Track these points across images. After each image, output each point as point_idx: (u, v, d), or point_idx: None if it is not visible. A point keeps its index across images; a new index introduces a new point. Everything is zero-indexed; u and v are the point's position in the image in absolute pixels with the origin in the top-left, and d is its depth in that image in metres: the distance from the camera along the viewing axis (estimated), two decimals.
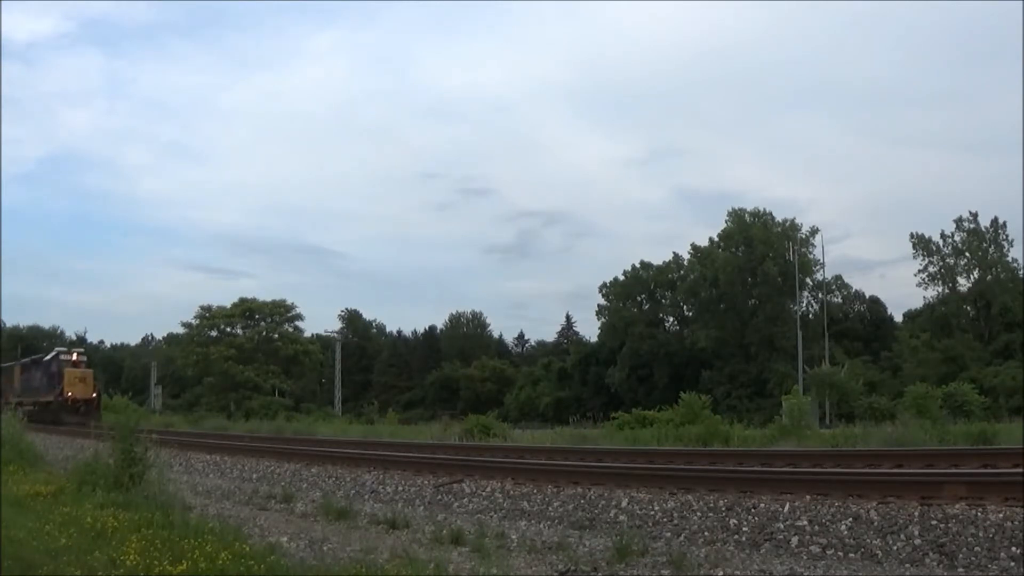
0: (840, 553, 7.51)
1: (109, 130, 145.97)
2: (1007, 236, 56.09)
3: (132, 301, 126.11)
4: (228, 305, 70.12)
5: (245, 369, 65.34)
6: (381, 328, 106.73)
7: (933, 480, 8.97)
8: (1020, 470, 8.60)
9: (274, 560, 6.62)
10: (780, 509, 8.73)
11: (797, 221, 63.07)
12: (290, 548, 7.93)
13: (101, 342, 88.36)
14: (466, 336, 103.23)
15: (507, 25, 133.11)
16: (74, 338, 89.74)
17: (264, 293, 76.93)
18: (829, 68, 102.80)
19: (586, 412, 38.53)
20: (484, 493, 11.78)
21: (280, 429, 33.88)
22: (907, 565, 7.03)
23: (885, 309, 76.99)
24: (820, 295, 66.08)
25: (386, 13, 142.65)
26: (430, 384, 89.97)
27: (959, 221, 53.27)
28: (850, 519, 8.08)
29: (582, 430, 28.44)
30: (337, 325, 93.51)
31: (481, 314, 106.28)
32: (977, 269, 59.40)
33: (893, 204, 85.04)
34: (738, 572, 6.89)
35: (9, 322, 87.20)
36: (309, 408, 66.61)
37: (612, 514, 9.76)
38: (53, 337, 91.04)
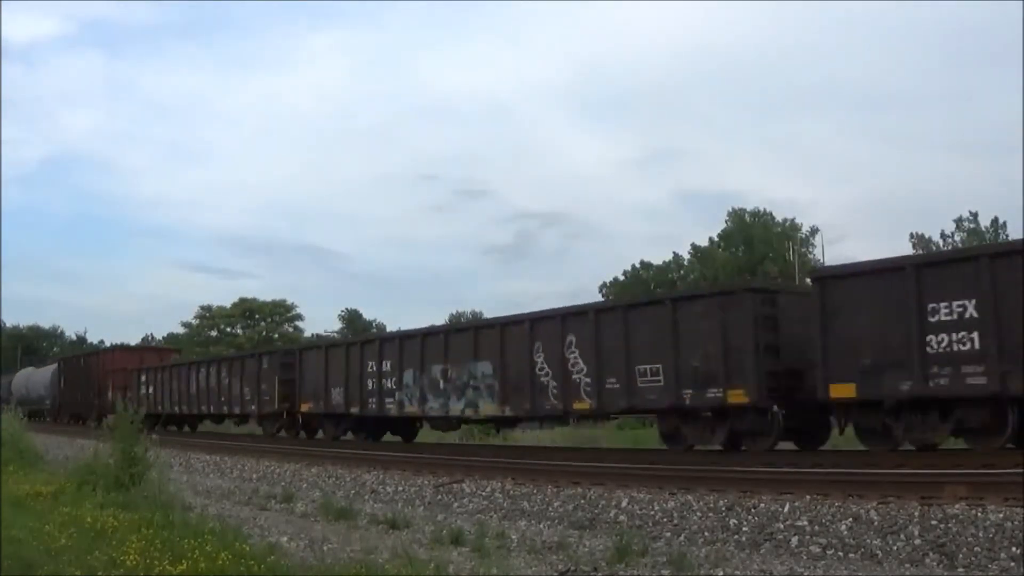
0: (840, 553, 7.51)
1: (109, 131, 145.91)
2: (1007, 236, 56.12)
3: (132, 301, 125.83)
4: (228, 305, 70.15)
5: None
6: (381, 328, 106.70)
7: (933, 480, 8.97)
8: (1020, 470, 8.59)
9: (274, 560, 6.62)
10: (780, 509, 8.74)
11: (797, 221, 63.05)
12: (290, 548, 7.93)
13: (101, 342, 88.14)
14: None
15: (506, 26, 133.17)
16: (74, 338, 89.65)
17: (264, 293, 76.88)
18: (829, 68, 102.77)
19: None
20: (484, 493, 11.78)
21: None
22: (907, 565, 7.03)
23: None
24: None
25: (386, 14, 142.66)
26: None
27: (959, 221, 53.28)
28: (850, 519, 8.08)
29: (583, 430, 28.44)
30: (337, 325, 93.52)
31: (481, 314, 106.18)
32: None
33: (893, 204, 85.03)
34: (738, 572, 6.88)
35: (9, 322, 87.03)
36: None
37: (612, 514, 9.76)
38: (53, 337, 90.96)
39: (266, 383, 24.23)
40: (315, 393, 22.21)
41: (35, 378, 48.73)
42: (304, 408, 22.87)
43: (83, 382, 39.16)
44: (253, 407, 25.24)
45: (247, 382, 25.40)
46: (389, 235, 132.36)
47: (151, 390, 32.20)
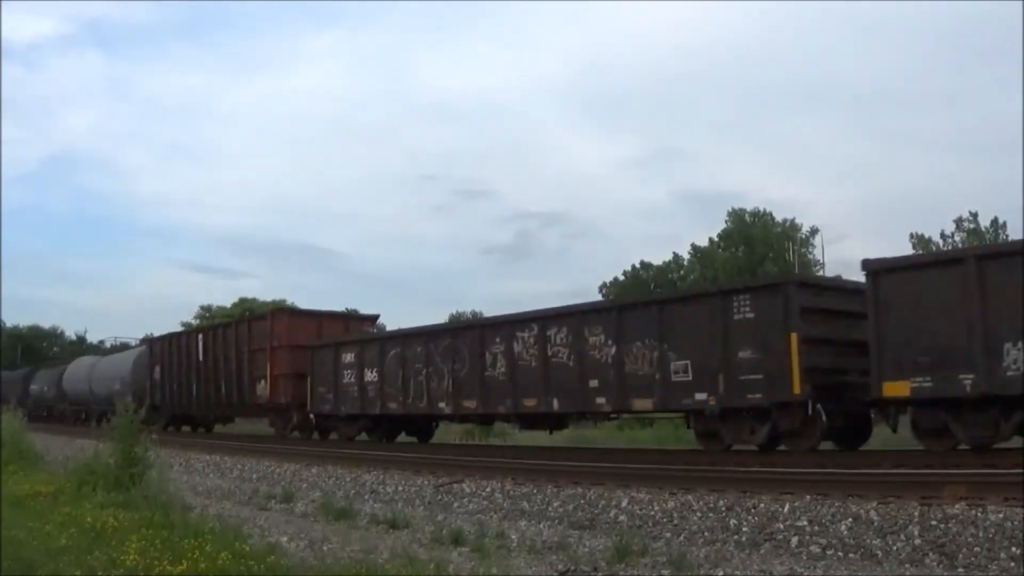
0: (840, 553, 7.52)
1: (109, 131, 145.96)
2: (1007, 236, 56.10)
3: (132, 301, 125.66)
4: (228, 305, 70.10)
5: None
6: (381, 328, 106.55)
7: (933, 480, 8.97)
8: (1020, 470, 8.59)
9: (274, 560, 6.62)
10: (780, 509, 8.74)
11: (797, 221, 63.06)
12: (290, 548, 7.93)
13: (101, 342, 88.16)
14: None
15: (507, 26, 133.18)
16: (74, 338, 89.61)
17: (264, 293, 76.79)
18: (829, 68, 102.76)
19: (586, 413, 38.05)
20: (484, 493, 11.78)
21: None
22: (907, 565, 7.03)
23: None
24: None
25: (386, 14, 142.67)
26: None
27: (959, 221, 53.17)
28: (850, 519, 8.08)
29: (582, 430, 28.45)
30: None
31: (481, 314, 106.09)
32: None
33: (893, 204, 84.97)
34: (738, 572, 6.88)
35: (9, 322, 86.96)
36: None
37: (612, 514, 9.77)
38: (53, 337, 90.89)
39: (754, 347, 12.55)
40: (949, 355, 10.86)
41: (103, 369, 36.33)
42: (901, 391, 11.30)
43: (206, 369, 26.24)
44: (704, 396, 13.16)
45: (680, 349, 13.49)
46: (389, 235, 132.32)
47: (373, 377, 19.64)
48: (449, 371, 17.57)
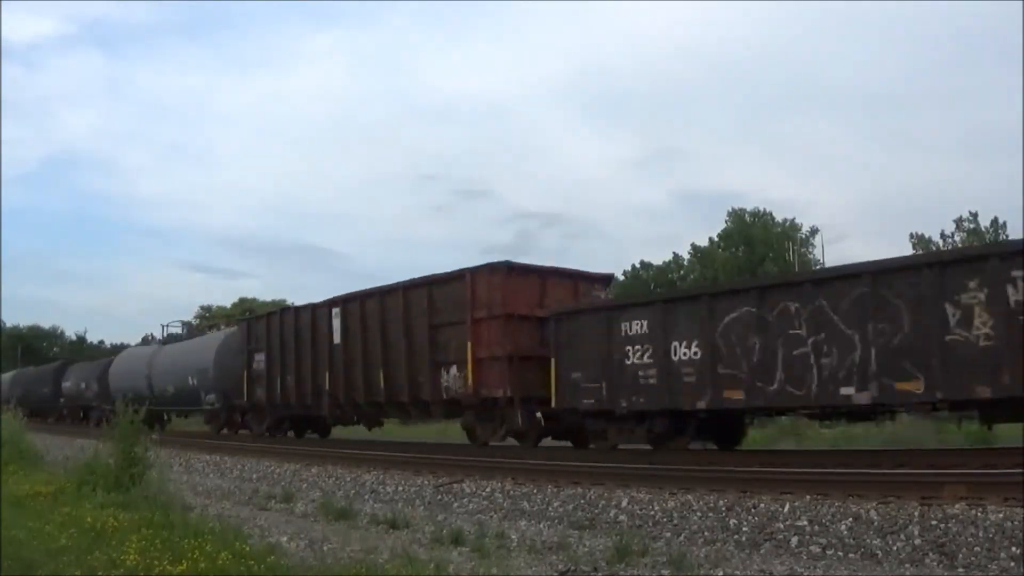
0: (840, 553, 7.52)
1: (109, 131, 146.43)
2: (1007, 236, 56.11)
3: (132, 301, 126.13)
4: (228, 305, 70.10)
5: None
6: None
7: (933, 480, 8.97)
8: (1020, 470, 8.59)
9: (274, 560, 6.62)
10: (780, 509, 8.74)
11: (797, 221, 63.09)
12: (290, 548, 7.93)
13: (101, 342, 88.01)
14: None
15: (507, 27, 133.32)
16: (74, 338, 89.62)
17: (264, 293, 76.85)
18: (829, 68, 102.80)
19: None
20: (484, 493, 11.78)
21: None
22: (907, 565, 7.03)
23: None
24: None
25: (386, 14, 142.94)
26: None
27: (959, 221, 53.16)
28: (850, 519, 8.08)
29: None
30: None
31: None
32: None
33: (893, 204, 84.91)
34: (738, 572, 6.88)
35: (9, 322, 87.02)
36: None
37: (612, 514, 9.77)
38: (53, 337, 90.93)
39: None
40: None
41: (170, 359, 29.02)
42: None
43: (348, 355, 19.74)
44: None
45: None
46: (389, 235, 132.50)
47: (691, 353, 13.22)
48: (863, 338, 11.31)
